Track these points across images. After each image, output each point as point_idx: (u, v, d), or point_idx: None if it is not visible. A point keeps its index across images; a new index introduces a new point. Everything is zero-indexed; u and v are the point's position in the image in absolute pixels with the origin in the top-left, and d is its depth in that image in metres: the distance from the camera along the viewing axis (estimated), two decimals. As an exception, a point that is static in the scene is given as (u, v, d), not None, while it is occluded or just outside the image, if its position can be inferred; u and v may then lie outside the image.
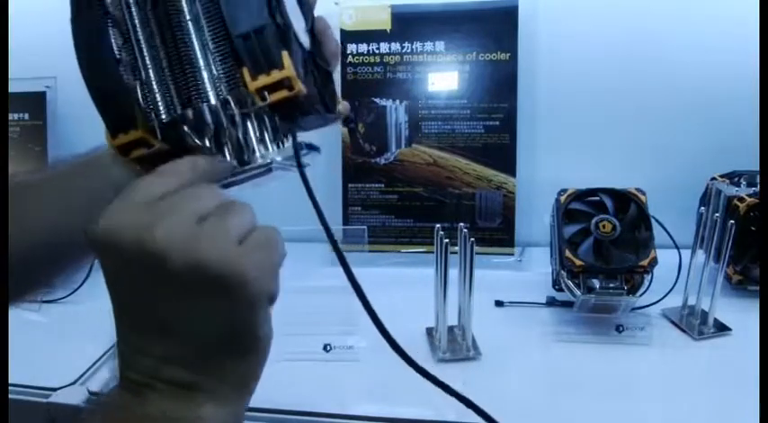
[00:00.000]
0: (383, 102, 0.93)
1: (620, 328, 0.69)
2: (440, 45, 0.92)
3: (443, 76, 0.92)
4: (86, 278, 0.85)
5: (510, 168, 0.92)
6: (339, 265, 0.37)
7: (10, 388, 0.57)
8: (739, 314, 0.71)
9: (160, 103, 0.35)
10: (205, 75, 0.35)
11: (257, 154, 0.36)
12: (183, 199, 0.30)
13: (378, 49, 0.93)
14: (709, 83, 0.90)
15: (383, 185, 0.95)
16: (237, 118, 0.36)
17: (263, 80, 0.34)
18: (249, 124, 0.36)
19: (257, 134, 0.36)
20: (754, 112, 0.79)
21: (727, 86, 0.89)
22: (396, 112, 0.94)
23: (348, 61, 0.94)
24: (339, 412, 0.57)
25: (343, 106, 0.44)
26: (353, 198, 0.96)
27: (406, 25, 0.92)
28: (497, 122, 0.92)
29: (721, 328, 0.70)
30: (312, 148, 0.39)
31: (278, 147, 0.37)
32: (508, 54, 0.90)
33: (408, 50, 0.93)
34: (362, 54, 0.93)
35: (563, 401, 0.59)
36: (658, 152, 0.94)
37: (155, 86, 0.35)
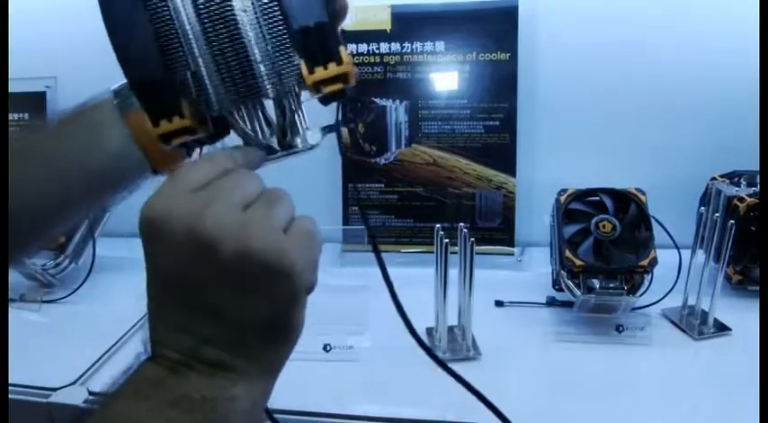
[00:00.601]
0: (383, 102, 0.93)
1: (620, 328, 0.69)
2: (440, 45, 0.92)
3: (443, 76, 0.92)
4: (86, 278, 0.85)
5: (510, 168, 0.92)
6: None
7: (10, 388, 0.57)
8: (739, 314, 0.72)
9: (211, 94, 0.35)
10: (262, 68, 0.35)
11: (298, 139, 0.37)
12: (226, 186, 0.31)
13: (378, 49, 0.93)
14: (709, 83, 0.89)
15: (383, 185, 0.95)
16: (286, 107, 0.36)
17: (321, 74, 0.35)
18: (296, 113, 0.37)
19: (301, 121, 0.37)
20: (754, 112, 0.79)
21: (728, 86, 0.89)
22: (396, 112, 0.93)
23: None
24: (339, 412, 0.57)
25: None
26: (353, 198, 0.96)
27: (406, 25, 0.92)
28: (497, 122, 0.92)
29: (721, 328, 0.70)
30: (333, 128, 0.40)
31: (308, 129, 0.38)
32: (508, 54, 0.90)
33: (408, 50, 0.92)
34: (362, 54, 0.93)
35: (563, 401, 0.59)
36: (658, 152, 0.93)
37: (205, 77, 0.35)
